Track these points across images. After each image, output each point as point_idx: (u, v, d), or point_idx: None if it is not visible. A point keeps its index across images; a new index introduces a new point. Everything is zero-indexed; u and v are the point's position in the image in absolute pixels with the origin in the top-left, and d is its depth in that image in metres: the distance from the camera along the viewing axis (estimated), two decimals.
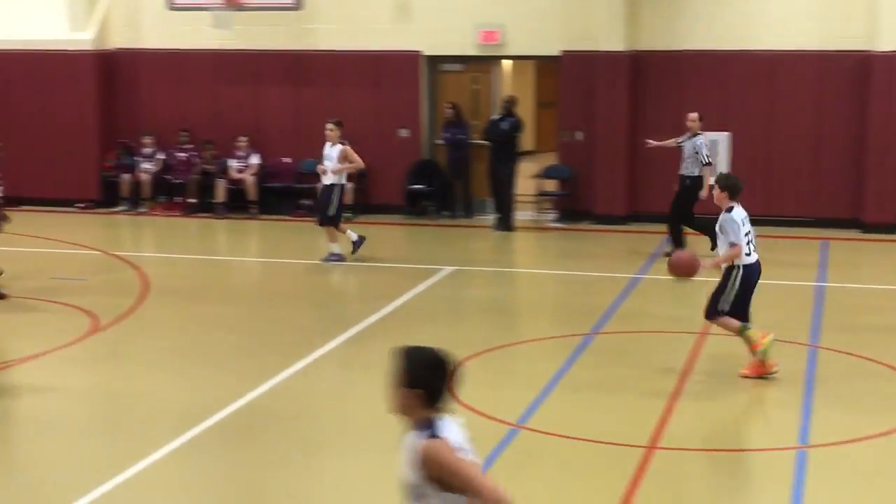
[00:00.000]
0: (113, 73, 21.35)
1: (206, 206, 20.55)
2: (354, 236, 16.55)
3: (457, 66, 20.74)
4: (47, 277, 15.26)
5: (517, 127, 19.33)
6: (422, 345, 5.25)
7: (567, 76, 19.87)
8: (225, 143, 20.66)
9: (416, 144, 20.62)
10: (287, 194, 20.63)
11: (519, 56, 20.85)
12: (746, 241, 10.76)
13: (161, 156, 21.06)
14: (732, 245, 10.72)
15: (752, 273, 10.84)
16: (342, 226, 16.61)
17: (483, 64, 20.78)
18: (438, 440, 5.06)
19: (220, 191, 20.44)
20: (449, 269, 16.05)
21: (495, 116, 19.68)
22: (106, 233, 19.70)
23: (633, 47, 19.50)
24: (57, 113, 21.15)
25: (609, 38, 19.38)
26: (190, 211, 20.60)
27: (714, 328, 11.56)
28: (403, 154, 20.47)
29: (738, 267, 10.78)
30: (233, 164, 20.53)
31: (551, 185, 20.31)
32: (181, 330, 13.15)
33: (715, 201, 10.96)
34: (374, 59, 20.45)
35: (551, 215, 20.14)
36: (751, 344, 10.95)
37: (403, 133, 20.61)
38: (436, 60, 20.58)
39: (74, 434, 9.78)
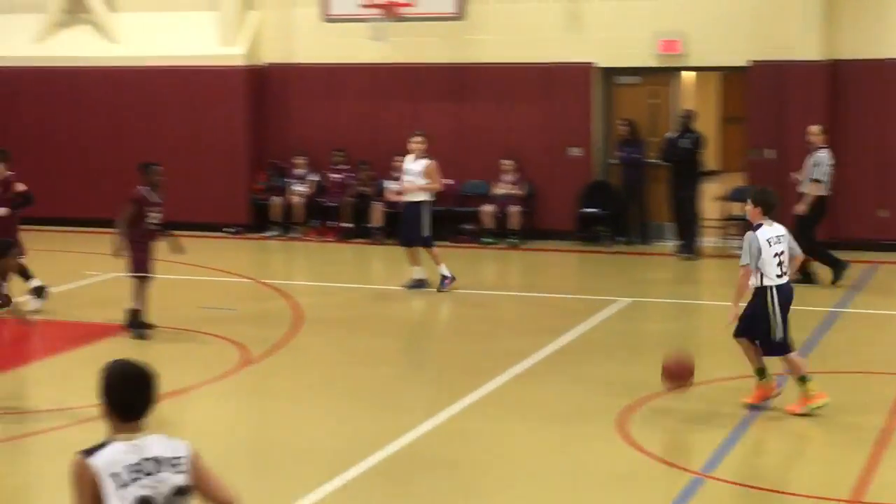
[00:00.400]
0: (264, 90, 21.89)
1: (361, 231, 20.86)
2: (447, 272, 16.52)
3: (633, 79, 20.65)
4: (196, 307, 15.67)
5: (698, 144, 19.15)
6: (127, 358, 5.42)
7: (756, 88, 19.62)
8: (382, 163, 20.95)
9: (588, 164, 20.58)
10: (448, 218, 20.79)
11: (702, 67, 20.67)
12: (777, 262, 10.75)
13: (314, 177, 21.45)
14: (743, 267, 10.77)
15: (785, 294, 10.84)
16: (435, 251, 16.60)
17: (662, 76, 20.65)
18: (79, 459, 5.12)
19: (377, 214, 20.74)
20: (625, 300, 15.97)
21: (673, 134, 19.54)
22: (256, 259, 20.15)
23: (831, 56, 19.15)
24: (205, 132, 21.77)
25: (804, 45, 19.08)
26: (344, 236, 20.93)
27: None
28: (574, 175, 20.45)
29: (770, 288, 10.77)
30: (390, 185, 20.80)
31: (739, 209, 20.04)
32: (334, 364, 13.35)
33: (748, 217, 10.98)
34: (543, 72, 20.51)
35: (739, 241, 19.86)
36: (805, 397, 10.90)
37: (574, 152, 20.59)
38: (610, 73, 20.54)
39: (219, 473, 9.99)
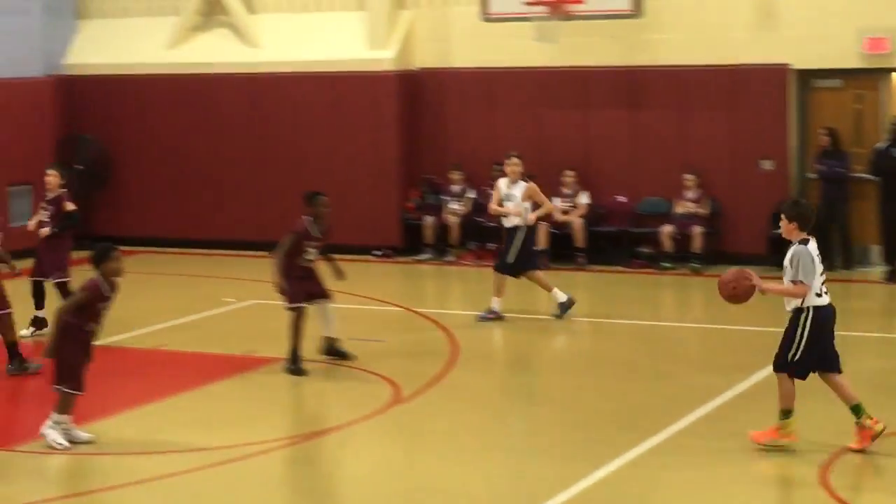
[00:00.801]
0: (416, 97, 21.89)
1: None
2: (563, 297, 16.69)
3: (834, 83, 20.17)
4: (344, 337, 15.66)
5: None
6: None
7: None
8: (548, 178, 20.70)
9: (783, 179, 20.12)
10: (621, 240, 20.50)
11: None
12: (821, 280, 10.97)
13: (471, 194, 21.37)
14: (798, 283, 10.86)
15: (823, 317, 10.98)
16: (542, 277, 16.87)
17: (868, 79, 20.10)
18: None
19: (542, 236, 20.52)
20: None
21: (882, 144, 19.07)
22: (407, 285, 20.12)
23: None
24: (352, 144, 21.82)
25: None
26: None
27: None
28: (766, 191, 20.00)
29: (808, 308, 10.92)
30: (557, 203, 20.57)
31: None
32: (493, 403, 13.20)
33: (784, 234, 11.11)
34: (730, 75, 20.14)
35: None
36: (862, 429, 11.01)
37: (766, 165, 20.17)
38: (807, 75, 20.08)
39: None
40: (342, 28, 22.07)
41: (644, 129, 20.67)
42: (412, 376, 13.88)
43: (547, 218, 18.35)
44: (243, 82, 22.34)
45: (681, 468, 10.97)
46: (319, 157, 21.85)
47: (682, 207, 20.30)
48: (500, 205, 16.79)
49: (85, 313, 11.73)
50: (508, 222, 16.81)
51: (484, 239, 21.19)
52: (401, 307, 17.72)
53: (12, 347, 14.23)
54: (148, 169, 23.02)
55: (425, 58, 21.95)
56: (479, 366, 14.57)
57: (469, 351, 15.13)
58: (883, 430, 11.01)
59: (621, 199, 20.87)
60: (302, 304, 14.15)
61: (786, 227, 11.04)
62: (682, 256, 20.10)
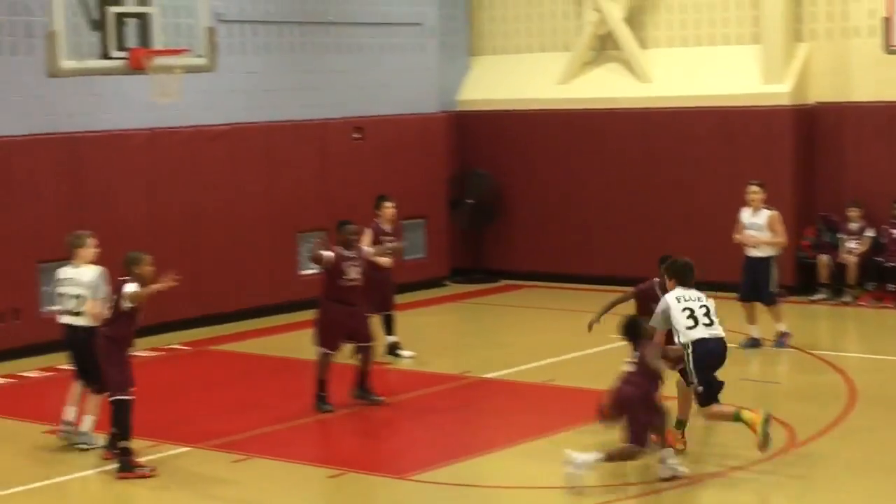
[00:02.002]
0: (812, 131, 21.35)
1: None
2: (783, 327, 17.12)
3: None
4: (738, 378, 15.37)
5: None
6: None
7: None
8: None
9: None
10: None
11: None
12: (687, 315, 11.96)
13: (870, 233, 20.66)
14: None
15: (703, 350, 11.93)
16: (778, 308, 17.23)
17: None
18: None
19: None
20: None
21: None
22: (803, 326, 19.54)
23: None
24: (744, 179, 21.30)
25: None
26: None
27: None
28: None
29: (689, 344, 11.94)
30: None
31: None
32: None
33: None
34: None
35: None
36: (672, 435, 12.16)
37: None
38: None
39: None
40: (736, 62, 21.76)
41: None
42: (807, 420, 13.50)
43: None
44: (634, 117, 22.32)
45: None
46: (709, 193, 21.54)
47: None
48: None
49: None
50: (755, 252, 17.07)
51: (884, 279, 20.42)
52: (795, 348, 17.26)
53: (364, 377, 14.76)
54: (537, 203, 23.28)
55: (822, 92, 21.37)
56: (877, 413, 14.01)
57: (867, 396, 14.60)
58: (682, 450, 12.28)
59: None
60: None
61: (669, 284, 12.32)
62: None
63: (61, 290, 13.26)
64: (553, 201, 23.18)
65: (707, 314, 12.05)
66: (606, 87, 22.70)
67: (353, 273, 14.61)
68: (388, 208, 17.32)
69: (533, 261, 23.30)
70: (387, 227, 17.20)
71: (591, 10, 22.89)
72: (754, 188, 17.31)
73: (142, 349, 13.79)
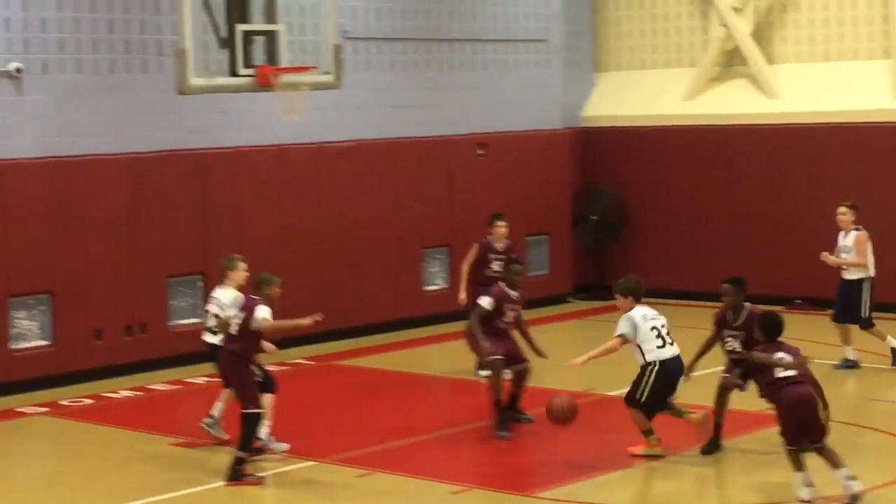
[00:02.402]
0: None
1: None
2: (851, 354, 16.82)
3: None
4: (865, 398, 15.14)
5: None
6: None
7: None
8: None
9: None
10: None
11: None
12: (655, 334, 12.91)
13: None
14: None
15: (668, 369, 12.91)
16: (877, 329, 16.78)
17: None
18: None
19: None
20: None
21: None
22: None
23: None
24: (875, 197, 21.03)
25: None
26: None
27: None
28: None
29: (654, 363, 12.86)
30: None
31: None
32: None
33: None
34: None
35: None
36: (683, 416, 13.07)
37: None
38: None
39: None
40: (865, 77, 21.43)
41: None
42: None
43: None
44: (761, 133, 22.08)
45: None
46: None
47: None
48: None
49: None
50: (848, 275, 16.78)
51: None
52: None
53: (516, 398, 14.63)
54: (662, 220, 23.12)
55: None
56: None
57: None
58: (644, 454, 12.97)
59: None
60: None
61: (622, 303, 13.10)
62: None
63: (208, 308, 14.05)
64: (678, 218, 23.00)
65: (668, 333, 13.02)
66: (733, 103, 22.49)
67: (511, 316, 14.48)
68: (501, 227, 17.12)
69: (657, 278, 23.00)
70: (498, 245, 17.05)
71: (717, 26, 22.71)
72: (842, 209, 17.03)
73: (267, 364, 13.91)
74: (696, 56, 23.24)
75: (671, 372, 12.96)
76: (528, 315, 17.00)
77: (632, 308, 13.12)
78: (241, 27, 15.71)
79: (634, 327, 12.97)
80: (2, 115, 17.04)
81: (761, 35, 22.51)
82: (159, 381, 17.33)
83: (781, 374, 11.40)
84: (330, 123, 20.03)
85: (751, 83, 22.52)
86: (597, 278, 23.42)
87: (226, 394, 13.83)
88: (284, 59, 16.00)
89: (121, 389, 17.05)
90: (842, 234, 17.06)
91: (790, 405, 11.28)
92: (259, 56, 16.01)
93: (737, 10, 22.39)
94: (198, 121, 18.64)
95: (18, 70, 17.07)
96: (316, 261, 19.67)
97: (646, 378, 12.91)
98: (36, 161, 17.23)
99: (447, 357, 18.87)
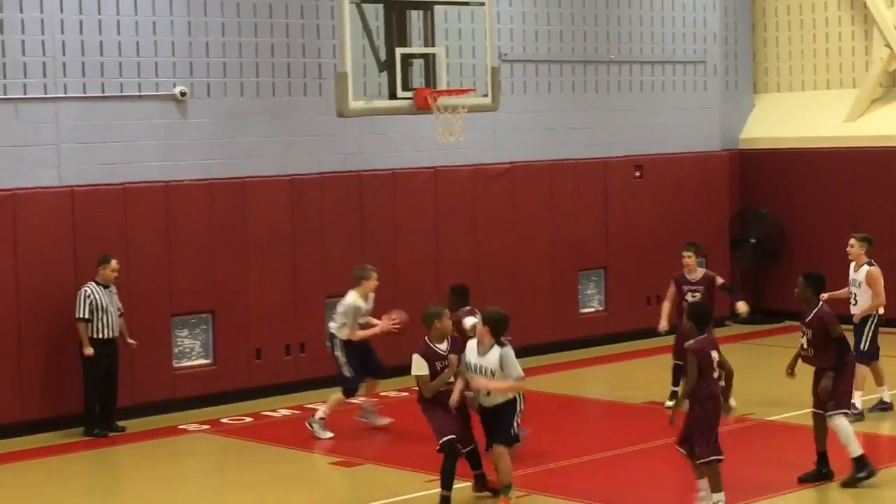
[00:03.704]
0: None
1: None
2: (887, 396, 15.88)
3: None
4: None
5: None
6: None
7: None
8: None
9: None
10: None
11: None
12: None
13: None
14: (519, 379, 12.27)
15: None
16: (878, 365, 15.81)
17: None
18: None
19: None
20: None
21: None
22: None
23: None
24: None
25: None
26: None
27: None
28: None
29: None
30: None
31: None
32: None
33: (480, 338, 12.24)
34: None
35: None
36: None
37: None
38: None
39: None
40: None
41: None
42: None
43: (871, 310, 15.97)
44: None
45: None
46: None
47: None
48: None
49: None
50: (855, 309, 15.83)
51: None
52: None
53: None
54: (822, 243, 22.67)
55: None
56: None
57: None
58: None
59: None
60: None
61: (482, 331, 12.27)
62: None
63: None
64: (838, 241, 22.47)
65: None
66: (893, 125, 22.05)
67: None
68: (686, 258, 16.50)
69: None
70: (691, 277, 16.49)
71: (881, 46, 22.30)
72: (851, 241, 16.23)
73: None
74: (858, 77, 22.85)
75: None
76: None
77: None
78: (400, 50, 15.85)
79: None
80: (167, 138, 17.42)
81: None
82: (317, 400, 17.50)
83: None
84: (487, 145, 20.10)
85: None
86: (755, 302, 23.10)
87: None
88: (443, 82, 16.11)
89: (280, 408, 17.26)
90: (853, 266, 16.14)
91: None
92: (417, 79, 16.14)
93: None
94: (357, 143, 18.83)
95: (183, 93, 17.44)
96: (472, 283, 19.60)
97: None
98: (199, 182, 17.56)
99: (603, 380, 18.78)
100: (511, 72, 20.37)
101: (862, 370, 15.39)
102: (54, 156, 16.59)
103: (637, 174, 21.92)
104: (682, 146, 22.64)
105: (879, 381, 16.01)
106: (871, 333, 15.80)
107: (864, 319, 15.90)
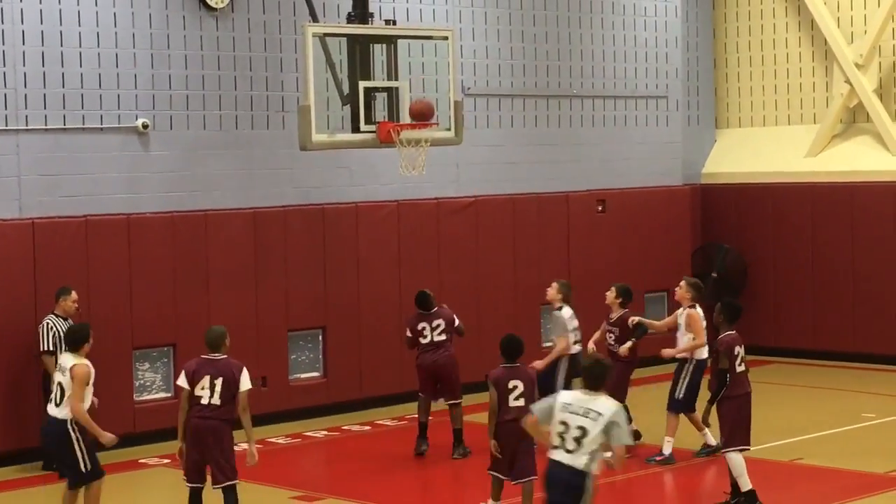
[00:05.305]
0: None
1: None
2: (712, 441, 15.10)
3: None
4: None
5: None
6: None
7: None
8: None
9: None
10: None
11: None
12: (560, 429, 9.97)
13: None
14: None
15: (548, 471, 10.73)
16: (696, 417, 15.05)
17: None
18: None
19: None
20: None
21: None
22: None
23: None
24: None
25: None
26: None
27: None
28: None
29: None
30: None
31: None
32: None
33: None
34: None
35: None
36: None
37: None
38: None
39: None
40: None
41: None
42: None
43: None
44: (886, 191, 21.72)
45: None
46: None
47: None
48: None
49: None
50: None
51: None
52: None
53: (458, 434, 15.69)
54: (784, 278, 22.83)
55: None
56: None
57: None
58: None
59: None
60: None
61: None
62: None
63: None
64: (800, 276, 22.69)
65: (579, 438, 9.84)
66: (856, 160, 22.19)
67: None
68: (607, 294, 16.24)
69: (778, 337, 22.81)
70: (611, 316, 16.17)
71: (841, 82, 22.46)
72: (681, 283, 15.82)
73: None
74: (819, 112, 23.01)
75: (549, 476, 10.12)
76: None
77: None
78: (363, 84, 15.89)
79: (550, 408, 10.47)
80: (129, 170, 17.37)
81: (886, 92, 22.23)
82: (279, 434, 17.41)
83: None
84: (449, 179, 20.12)
85: (874, 140, 22.23)
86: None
87: None
88: (406, 116, 16.13)
89: (241, 442, 17.13)
90: (680, 309, 15.80)
91: None
92: (381, 112, 16.17)
93: (860, 66, 22.13)
94: (320, 176, 18.82)
95: (145, 126, 17.40)
96: None
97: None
98: (161, 215, 17.50)
99: None
100: (474, 106, 20.42)
101: (674, 418, 15.30)
102: (16, 188, 16.51)
103: (599, 208, 21.97)
104: (644, 181, 22.72)
105: (700, 428, 15.36)
106: (687, 381, 15.41)
107: (682, 364, 15.56)
